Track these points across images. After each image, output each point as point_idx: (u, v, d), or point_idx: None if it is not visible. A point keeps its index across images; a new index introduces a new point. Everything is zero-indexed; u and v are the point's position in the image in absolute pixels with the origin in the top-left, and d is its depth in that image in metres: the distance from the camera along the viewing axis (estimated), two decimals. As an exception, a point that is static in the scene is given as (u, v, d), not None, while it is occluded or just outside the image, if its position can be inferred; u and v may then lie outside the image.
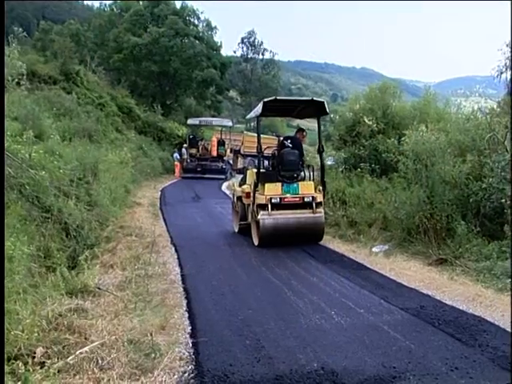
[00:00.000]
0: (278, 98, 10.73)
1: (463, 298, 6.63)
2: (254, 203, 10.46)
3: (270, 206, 9.99)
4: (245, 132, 38.15)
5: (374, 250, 9.94)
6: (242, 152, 33.45)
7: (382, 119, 16.51)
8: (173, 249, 9.93)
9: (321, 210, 10.41)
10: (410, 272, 8.13)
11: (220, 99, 47.14)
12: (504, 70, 12.76)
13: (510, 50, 12.23)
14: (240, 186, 12.13)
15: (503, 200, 8.49)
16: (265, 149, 11.27)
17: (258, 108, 10.39)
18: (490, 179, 8.91)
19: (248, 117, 13.22)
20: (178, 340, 5.06)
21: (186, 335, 5.23)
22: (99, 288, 6.52)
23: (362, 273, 8.13)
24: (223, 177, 28.66)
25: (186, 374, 4.29)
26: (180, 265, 8.61)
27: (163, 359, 4.43)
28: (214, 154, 29.90)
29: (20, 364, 3.93)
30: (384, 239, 10.50)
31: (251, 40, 64.14)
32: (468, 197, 9.39)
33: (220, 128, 33.19)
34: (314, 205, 10.18)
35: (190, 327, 5.49)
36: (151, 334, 4.83)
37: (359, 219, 11.67)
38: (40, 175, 8.34)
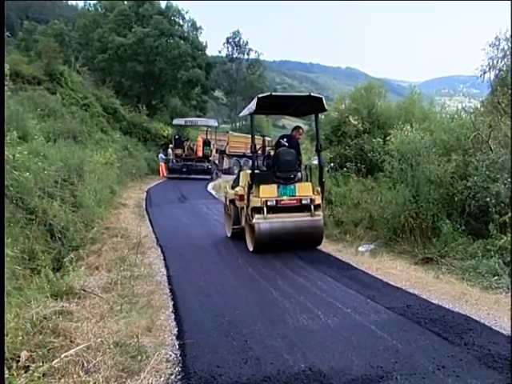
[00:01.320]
0: (273, 93, 10.07)
1: (449, 296, 6.66)
2: (248, 206, 9.86)
3: (265, 209, 9.45)
4: (230, 132, 38.13)
5: (360, 249, 9.96)
6: (227, 152, 33.43)
7: (367, 119, 16.61)
8: (159, 250, 9.89)
9: (319, 212, 9.85)
10: (396, 271, 8.16)
11: (205, 99, 47.01)
12: (487, 69, 12.87)
13: (495, 49, 12.35)
14: (232, 188, 11.51)
15: (488, 199, 8.55)
16: (259, 149, 10.94)
17: (252, 105, 9.73)
18: (475, 178, 8.98)
19: (241, 114, 12.19)
20: (165, 342, 5.04)
21: (173, 337, 5.21)
22: (84, 290, 6.47)
23: (349, 272, 8.15)
24: (209, 177, 28.69)
25: (173, 376, 4.27)
26: (166, 266, 8.58)
27: (150, 361, 4.40)
28: (200, 154, 29.90)
29: (4, 368, 3.88)
30: (370, 239, 10.55)
31: (236, 40, 64.24)
32: (453, 196, 9.46)
33: (205, 128, 33.15)
34: (312, 207, 9.65)
35: (176, 329, 5.47)
36: (137, 336, 4.80)
37: (345, 219, 11.71)
38: (24, 176, 8.28)
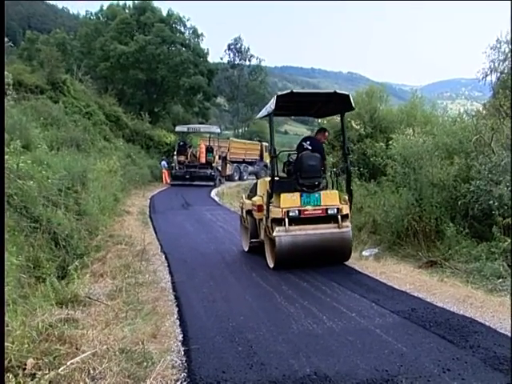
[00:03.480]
0: (294, 91, 8.79)
1: (454, 299, 6.65)
2: (267, 217, 8.87)
3: (287, 220, 8.46)
4: (230, 138, 38.15)
5: (364, 253, 9.96)
6: (228, 158, 33.41)
7: (369, 123, 16.68)
8: (163, 257, 9.89)
9: (347, 223, 8.80)
10: (401, 275, 8.15)
11: (207, 106, 47.07)
12: (489, 72, 12.91)
13: (497, 51, 12.40)
14: (249, 197, 10.51)
15: (491, 201, 8.56)
16: (281, 153, 10.28)
17: (271, 104, 8.65)
18: (478, 181, 8.98)
19: (258, 116, 10.73)
20: (170, 348, 5.04)
21: (178, 343, 5.21)
22: (89, 297, 6.48)
23: (353, 277, 8.14)
24: (212, 184, 28.74)
25: (179, 382, 4.27)
26: (170, 272, 8.58)
27: (155, 368, 4.40)
28: (203, 160, 29.98)
29: (10, 376, 3.89)
30: (374, 243, 10.55)
31: (238, 46, 64.19)
32: (456, 199, 9.48)
33: (208, 135, 33.22)
34: (339, 218, 8.62)
35: (181, 335, 5.47)
36: (143, 343, 4.80)
37: (349, 223, 11.69)
38: (28, 185, 8.30)
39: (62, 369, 4.12)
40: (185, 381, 4.30)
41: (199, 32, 44.08)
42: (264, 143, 40.57)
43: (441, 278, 7.83)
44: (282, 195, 8.66)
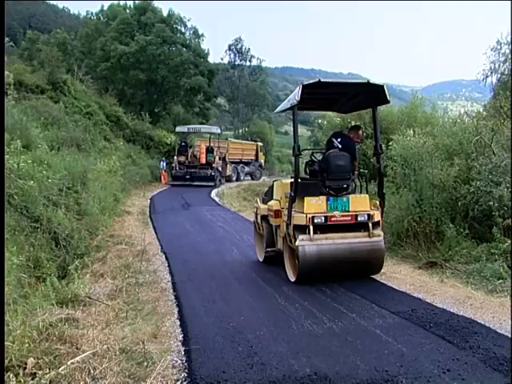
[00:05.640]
0: (321, 80, 7.67)
1: (454, 300, 6.67)
2: (289, 224, 7.77)
3: (311, 227, 7.47)
4: (229, 139, 38.12)
5: (364, 254, 9.92)
6: (226, 159, 33.37)
7: (369, 124, 16.62)
8: (163, 257, 9.90)
9: (379, 232, 7.85)
10: (401, 276, 8.16)
11: (208, 106, 47.09)
12: (489, 73, 12.92)
13: (497, 53, 12.41)
14: (264, 202, 9.53)
15: (491, 202, 8.56)
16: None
17: (295, 95, 7.54)
18: (478, 182, 8.99)
19: (278, 109, 9.44)
20: (170, 348, 5.05)
21: (178, 343, 5.22)
22: (90, 297, 6.49)
23: (353, 277, 8.12)
24: (212, 184, 28.73)
25: (179, 382, 4.28)
26: (171, 273, 8.59)
27: (156, 367, 4.40)
28: (203, 161, 30.01)
29: (11, 375, 3.90)
30: (374, 243, 10.52)
31: (238, 47, 64.08)
32: (456, 200, 9.47)
33: (208, 135, 33.21)
34: (370, 226, 7.69)
35: (181, 335, 5.48)
36: (143, 343, 4.81)
37: (349, 224, 11.67)
38: (28, 185, 8.31)
39: (62, 368, 4.13)
40: (185, 381, 4.31)
41: (200, 32, 44.25)
42: (259, 143, 40.51)
43: (441, 278, 7.83)
44: (306, 199, 7.69)
